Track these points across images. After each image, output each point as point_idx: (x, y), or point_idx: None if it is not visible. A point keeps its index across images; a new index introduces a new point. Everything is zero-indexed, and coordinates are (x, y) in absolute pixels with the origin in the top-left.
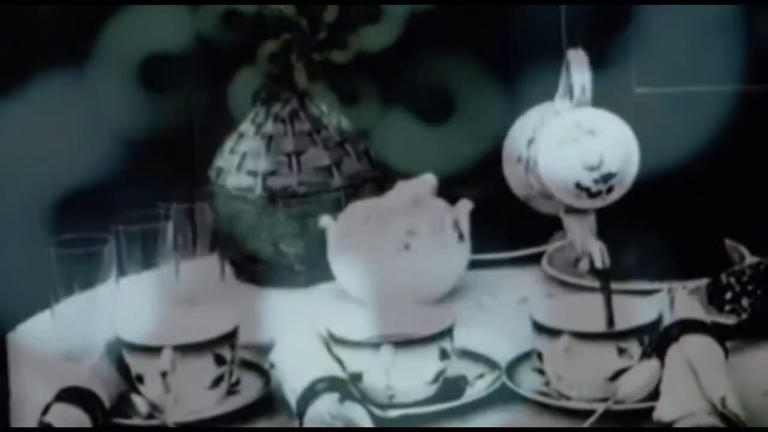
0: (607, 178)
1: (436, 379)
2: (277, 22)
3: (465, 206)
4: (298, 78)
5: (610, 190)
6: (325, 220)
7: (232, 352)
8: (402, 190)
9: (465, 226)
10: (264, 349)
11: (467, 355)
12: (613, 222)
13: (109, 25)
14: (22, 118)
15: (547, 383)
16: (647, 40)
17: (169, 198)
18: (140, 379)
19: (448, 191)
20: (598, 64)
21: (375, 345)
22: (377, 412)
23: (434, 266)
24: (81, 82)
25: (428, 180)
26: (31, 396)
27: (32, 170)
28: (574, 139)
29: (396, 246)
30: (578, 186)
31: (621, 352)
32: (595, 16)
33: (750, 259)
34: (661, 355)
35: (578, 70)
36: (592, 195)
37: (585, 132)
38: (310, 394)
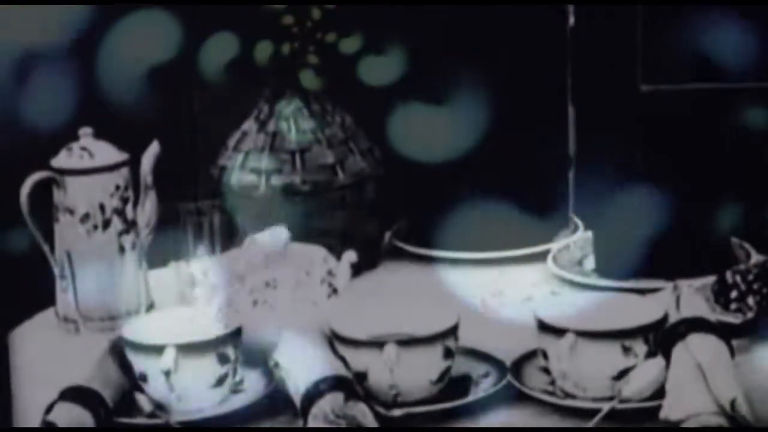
0: None
1: (440, 378)
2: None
3: (347, 257)
4: (302, 76)
5: None
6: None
7: (236, 351)
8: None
9: (342, 280)
10: (268, 348)
11: (472, 353)
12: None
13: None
14: None
15: (552, 382)
16: (653, 37)
17: (172, 197)
18: (144, 378)
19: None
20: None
21: (379, 344)
22: (381, 411)
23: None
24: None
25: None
26: (33, 395)
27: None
28: None
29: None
30: None
31: (626, 350)
32: (600, 15)
33: (756, 258)
34: (666, 354)
35: None
36: None
37: None
38: (314, 393)
